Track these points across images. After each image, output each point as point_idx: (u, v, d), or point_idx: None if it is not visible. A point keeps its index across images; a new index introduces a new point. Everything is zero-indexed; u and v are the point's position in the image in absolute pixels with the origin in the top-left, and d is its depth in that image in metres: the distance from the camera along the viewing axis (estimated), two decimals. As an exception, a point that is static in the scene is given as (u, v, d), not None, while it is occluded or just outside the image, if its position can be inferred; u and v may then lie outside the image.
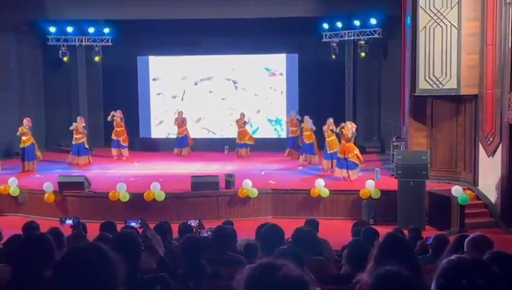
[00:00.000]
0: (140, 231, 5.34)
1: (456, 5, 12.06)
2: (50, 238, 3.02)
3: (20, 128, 14.57)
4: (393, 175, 12.30)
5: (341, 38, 16.82)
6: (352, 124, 13.44)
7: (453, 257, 2.02)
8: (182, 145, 17.17)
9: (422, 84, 12.48)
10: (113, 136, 16.63)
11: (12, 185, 12.45)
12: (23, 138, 14.53)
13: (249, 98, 18.32)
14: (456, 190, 11.28)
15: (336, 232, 9.54)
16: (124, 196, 11.83)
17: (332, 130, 13.73)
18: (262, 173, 14.15)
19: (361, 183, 12.17)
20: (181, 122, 17.14)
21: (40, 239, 2.95)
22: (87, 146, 15.77)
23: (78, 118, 15.93)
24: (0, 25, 16.57)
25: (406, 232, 7.62)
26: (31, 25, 17.57)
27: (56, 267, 2.11)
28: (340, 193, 12.16)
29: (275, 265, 1.89)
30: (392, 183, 11.88)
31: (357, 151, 13.16)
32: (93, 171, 14.57)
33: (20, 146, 14.60)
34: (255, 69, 18.30)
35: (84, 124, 15.84)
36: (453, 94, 12.42)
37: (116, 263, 2.10)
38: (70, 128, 15.69)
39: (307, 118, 15.26)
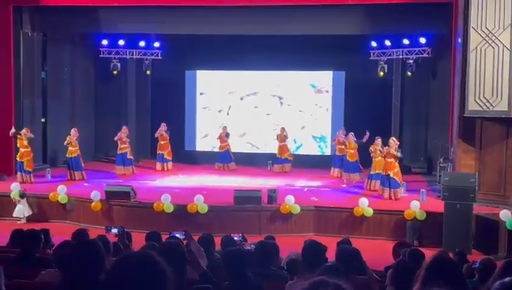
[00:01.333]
0: (184, 242, 5.42)
1: (509, 26, 11.83)
2: (101, 244, 3.11)
3: (67, 137, 14.96)
4: (439, 197, 12.07)
5: (389, 57, 16.69)
6: (395, 140, 13.34)
7: (507, 279, 2.00)
8: (223, 160, 17.29)
9: (472, 105, 12.25)
10: (158, 150, 16.91)
11: (61, 193, 12.78)
12: (70, 148, 14.90)
13: (293, 114, 18.34)
14: (505, 214, 10.98)
15: (379, 252, 9.41)
16: (168, 207, 12.00)
17: (380, 151, 13.63)
18: (305, 189, 14.12)
19: (406, 204, 11.99)
20: (224, 137, 17.27)
21: (92, 245, 3.04)
22: (130, 156, 16.07)
23: (123, 127, 16.28)
24: (56, 36, 17.19)
25: (451, 255, 7.47)
26: (85, 37, 18.15)
27: (109, 274, 2.17)
28: (384, 213, 12.01)
29: (327, 282, 1.92)
30: (438, 205, 11.66)
31: (398, 169, 13.04)
32: (139, 181, 14.82)
33: (67, 156, 14.97)
34: (301, 85, 18.33)
35: (127, 133, 16.15)
36: (503, 116, 12.13)
37: (167, 272, 2.15)
38: (115, 138, 16.03)
39: (351, 135, 15.18)
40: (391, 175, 12.85)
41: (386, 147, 13.12)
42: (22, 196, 12.58)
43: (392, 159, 12.93)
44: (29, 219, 12.52)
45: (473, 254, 10.19)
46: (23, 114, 15.90)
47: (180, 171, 16.73)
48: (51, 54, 17.29)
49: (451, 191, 10.94)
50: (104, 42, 17.68)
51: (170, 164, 16.94)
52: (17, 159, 14.25)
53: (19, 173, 14.23)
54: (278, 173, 16.60)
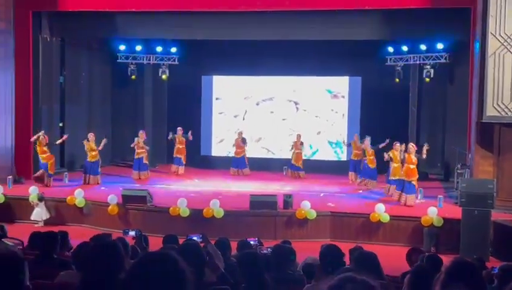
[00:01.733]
0: (201, 245, 5.43)
1: (528, 31, 11.74)
2: (120, 245, 3.13)
3: (88, 143, 15.05)
4: (456, 203, 11.97)
5: (406, 62, 16.63)
6: (413, 145, 13.28)
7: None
8: (238, 166, 17.30)
9: (490, 111, 12.15)
10: (176, 154, 16.98)
11: (79, 196, 12.87)
12: (92, 153, 15.02)
13: (309, 120, 18.32)
14: (524, 221, 10.86)
15: (395, 258, 9.33)
16: (184, 211, 12.03)
17: (400, 157, 13.60)
18: (321, 195, 14.09)
19: (423, 210, 11.91)
20: (240, 142, 17.30)
21: (111, 246, 3.06)
22: (145, 161, 16.16)
23: (140, 132, 16.37)
24: (74, 41, 17.37)
25: (469, 261, 7.39)
26: (102, 42, 18.32)
27: (129, 273, 2.18)
28: (401, 219, 11.92)
29: (355, 279, 1.94)
30: (456, 212, 11.56)
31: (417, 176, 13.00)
32: (155, 185, 14.88)
33: (88, 160, 15.08)
34: (317, 91, 18.32)
35: (145, 138, 16.24)
36: (522, 122, 12.02)
37: (186, 272, 2.16)
38: (132, 145, 16.11)
39: (367, 140, 15.11)
40: (413, 181, 12.80)
41: (406, 153, 13.07)
42: (40, 199, 12.70)
43: (414, 166, 12.88)
44: (46, 222, 12.62)
45: (491, 261, 10.07)
46: (42, 119, 16.06)
47: (196, 176, 16.78)
48: (69, 59, 17.47)
49: (469, 198, 10.84)
50: (122, 47, 17.82)
51: (182, 168, 17.00)
52: (42, 161, 14.32)
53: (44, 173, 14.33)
54: (293, 178, 16.59)
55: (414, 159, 12.91)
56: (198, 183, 15.87)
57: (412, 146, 13.17)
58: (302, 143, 16.87)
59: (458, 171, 14.24)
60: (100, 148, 15.00)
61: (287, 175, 16.99)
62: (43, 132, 14.59)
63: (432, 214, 11.61)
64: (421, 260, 5.98)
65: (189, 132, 16.83)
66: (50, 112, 16.69)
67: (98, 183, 14.94)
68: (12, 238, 6.28)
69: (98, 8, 14.80)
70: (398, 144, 13.70)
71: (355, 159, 16.01)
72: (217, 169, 17.89)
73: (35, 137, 14.44)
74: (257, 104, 18.74)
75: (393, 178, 13.61)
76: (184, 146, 16.98)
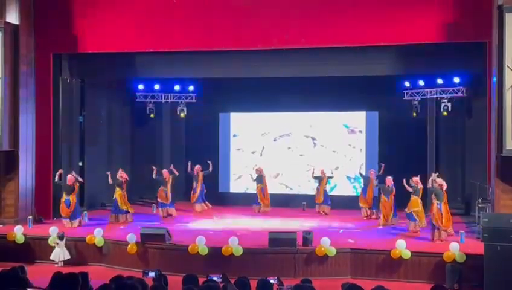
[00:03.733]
0: (221, 285, 5.41)
1: (545, 64, 11.71)
2: (140, 288, 3.12)
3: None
4: (479, 238, 11.79)
5: (423, 97, 16.63)
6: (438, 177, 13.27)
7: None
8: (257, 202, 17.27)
9: (510, 145, 12.05)
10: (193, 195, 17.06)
11: (98, 236, 12.90)
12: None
13: (327, 155, 18.32)
14: (549, 256, 10.62)
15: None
16: (203, 249, 11.98)
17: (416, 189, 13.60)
18: (341, 231, 13.97)
19: (445, 246, 11.73)
20: (258, 178, 17.30)
21: (132, 288, 3.06)
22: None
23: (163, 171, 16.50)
24: (93, 82, 17.70)
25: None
26: (121, 82, 18.63)
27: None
28: (422, 255, 11.74)
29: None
30: (478, 247, 11.36)
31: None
32: (174, 223, 14.87)
33: (114, 197, 15.19)
34: (334, 126, 18.35)
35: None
36: (542, 155, 11.90)
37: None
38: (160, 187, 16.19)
39: (389, 178, 15.08)
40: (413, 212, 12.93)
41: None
42: (61, 237, 12.74)
43: (435, 200, 12.82)
44: (66, 262, 12.64)
45: (517, 298, 9.86)
46: (62, 158, 16.25)
47: (214, 213, 16.77)
48: (89, 99, 17.77)
49: (491, 233, 10.66)
50: (140, 87, 18.10)
51: (203, 205, 17.06)
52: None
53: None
54: (315, 214, 16.50)
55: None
56: (217, 220, 15.85)
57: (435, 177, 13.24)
58: (330, 177, 16.88)
59: (479, 205, 14.07)
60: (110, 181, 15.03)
61: (306, 211, 16.91)
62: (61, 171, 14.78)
63: (454, 249, 11.43)
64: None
65: (209, 164, 16.83)
66: (70, 151, 16.89)
67: (124, 222, 15.01)
68: (36, 288, 6.31)
69: (116, 50, 15.10)
70: (415, 178, 13.69)
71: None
72: (235, 206, 17.88)
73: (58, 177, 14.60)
74: (274, 140, 18.81)
75: (410, 211, 13.70)
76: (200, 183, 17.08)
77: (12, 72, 14.50)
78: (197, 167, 16.89)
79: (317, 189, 16.88)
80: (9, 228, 13.59)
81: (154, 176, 16.19)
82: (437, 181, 13.13)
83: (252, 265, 11.74)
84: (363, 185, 16.39)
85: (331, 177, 16.97)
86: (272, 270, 11.54)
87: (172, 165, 16.86)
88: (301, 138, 18.60)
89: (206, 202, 17.11)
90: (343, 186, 18.18)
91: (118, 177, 15.26)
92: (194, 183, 16.99)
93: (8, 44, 14.33)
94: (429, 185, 13.33)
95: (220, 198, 18.58)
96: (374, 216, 15.71)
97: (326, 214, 16.55)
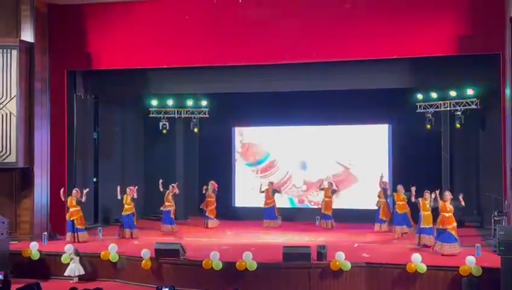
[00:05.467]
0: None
1: (559, 75, 11.63)
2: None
3: (124, 196, 15.27)
4: (495, 251, 11.66)
5: (436, 109, 16.56)
6: (449, 193, 13.10)
7: None
8: (269, 216, 17.24)
9: (525, 156, 11.95)
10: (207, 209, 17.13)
11: (112, 251, 12.92)
12: (126, 206, 15.18)
13: (339, 169, 18.26)
14: None
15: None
16: (217, 265, 11.95)
17: (429, 205, 13.45)
18: (356, 245, 13.88)
19: (461, 259, 11.61)
20: (270, 193, 17.31)
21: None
22: (172, 216, 16.23)
23: (171, 185, 16.51)
24: (107, 99, 17.85)
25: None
26: (135, 98, 18.78)
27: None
28: (438, 269, 11.62)
29: None
30: (495, 260, 11.23)
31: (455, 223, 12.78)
32: (188, 238, 14.87)
33: (122, 213, 15.24)
34: (347, 140, 18.30)
35: (173, 193, 16.31)
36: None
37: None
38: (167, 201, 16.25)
39: (400, 187, 15.02)
40: (448, 229, 12.58)
41: (441, 200, 12.91)
42: (76, 253, 12.78)
43: (450, 214, 12.67)
44: (80, 278, 12.67)
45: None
46: (76, 175, 16.35)
47: (228, 228, 16.75)
48: (103, 116, 17.91)
49: (507, 246, 10.55)
50: (153, 102, 18.21)
51: (214, 222, 17.07)
52: (67, 218, 14.57)
53: (69, 233, 14.53)
54: (325, 229, 16.46)
55: (449, 207, 12.71)
56: (231, 235, 15.82)
57: (447, 194, 13.00)
58: (334, 191, 16.81)
59: (495, 218, 13.92)
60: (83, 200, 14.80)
61: (319, 225, 16.85)
62: (76, 190, 14.84)
63: (470, 263, 11.30)
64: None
65: (173, 186, 16.63)
66: (84, 167, 17.01)
67: (134, 237, 15.03)
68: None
69: (130, 66, 15.24)
70: (427, 193, 13.57)
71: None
72: (250, 220, 17.85)
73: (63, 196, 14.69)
74: (288, 154, 18.79)
75: (424, 227, 13.49)
76: (213, 199, 17.13)
77: (28, 90, 14.67)
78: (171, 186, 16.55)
79: (323, 201, 16.81)
80: (25, 245, 13.65)
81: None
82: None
83: (266, 280, 11.70)
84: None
85: (335, 191, 16.87)
86: (286, 285, 11.51)
87: (177, 183, 16.83)
88: (314, 151, 18.55)
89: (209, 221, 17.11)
90: (352, 200, 18.03)
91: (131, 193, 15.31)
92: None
93: (23, 62, 14.51)
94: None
95: (234, 213, 18.60)
96: (384, 229, 15.64)
97: (329, 228, 16.47)
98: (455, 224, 12.71)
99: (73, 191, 14.74)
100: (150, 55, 15.07)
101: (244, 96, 17.05)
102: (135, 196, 15.32)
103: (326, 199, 16.77)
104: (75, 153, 16.30)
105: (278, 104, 17.59)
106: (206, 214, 17.07)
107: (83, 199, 14.71)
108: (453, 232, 12.63)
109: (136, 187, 15.61)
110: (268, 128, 19.02)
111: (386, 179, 16.49)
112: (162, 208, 16.28)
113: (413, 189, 13.96)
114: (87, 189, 15.08)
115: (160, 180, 16.43)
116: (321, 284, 11.75)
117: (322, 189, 17.03)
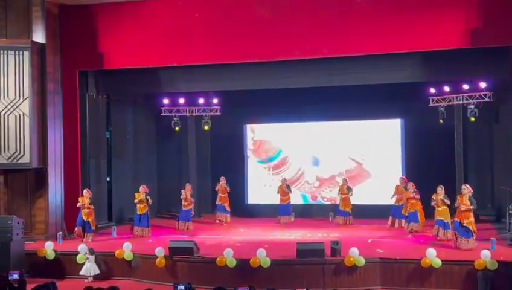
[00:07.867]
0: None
1: None
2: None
3: (136, 194, 15.32)
4: (510, 245, 11.59)
5: (449, 103, 16.44)
6: (468, 187, 12.97)
7: None
8: (285, 213, 17.26)
9: (540, 149, 11.84)
10: (218, 202, 17.31)
11: (127, 250, 12.98)
12: (140, 205, 15.23)
13: (351, 164, 18.21)
14: None
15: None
16: (231, 262, 11.98)
17: (443, 200, 13.39)
18: (369, 240, 13.84)
19: (476, 253, 11.54)
20: (284, 189, 17.33)
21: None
22: (192, 213, 16.41)
23: (187, 185, 16.59)
24: (119, 98, 17.92)
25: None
26: (146, 97, 18.84)
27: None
28: (453, 264, 11.55)
29: None
30: (510, 254, 11.17)
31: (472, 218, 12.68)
32: (201, 236, 14.92)
33: (137, 213, 15.28)
34: (359, 134, 18.24)
35: (190, 192, 16.44)
36: None
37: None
38: (181, 197, 16.36)
39: (410, 185, 14.97)
40: (464, 223, 12.49)
41: (459, 195, 12.84)
42: (91, 252, 12.86)
43: (465, 207, 12.58)
44: (95, 277, 12.75)
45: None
46: (89, 174, 16.45)
47: (241, 225, 16.78)
48: (115, 115, 17.99)
49: (523, 239, 10.49)
50: (165, 101, 18.27)
51: (228, 217, 17.27)
52: (83, 218, 14.61)
53: (78, 228, 14.59)
54: (340, 225, 16.44)
55: (466, 201, 12.60)
56: (244, 232, 15.85)
57: (464, 188, 12.89)
58: (348, 188, 16.77)
59: (510, 211, 13.81)
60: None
61: (333, 221, 16.83)
62: (87, 190, 14.91)
63: (485, 257, 11.23)
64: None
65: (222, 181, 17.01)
66: (97, 167, 17.09)
67: (147, 236, 15.10)
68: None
69: (141, 65, 15.27)
70: (440, 188, 13.51)
71: (397, 204, 15.79)
72: (263, 217, 17.88)
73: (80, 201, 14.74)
74: (300, 150, 18.78)
75: (440, 219, 13.51)
76: (226, 195, 17.23)
77: (40, 91, 14.76)
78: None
79: (340, 198, 16.81)
80: (40, 244, 13.76)
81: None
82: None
83: (280, 276, 11.70)
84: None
85: (350, 189, 16.82)
86: (301, 281, 11.49)
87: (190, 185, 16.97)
88: (327, 147, 18.51)
89: (227, 215, 17.30)
90: (366, 195, 17.97)
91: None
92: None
93: (35, 63, 14.61)
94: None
95: (246, 210, 18.64)
96: (397, 225, 15.62)
97: (340, 224, 16.48)
98: (471, 219, 12.59)
99: (85, 192, 14.76)
100: (160, 54, 15.08)
101: (255, 93, 17.03)
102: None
103: (343, 196, 16.74)
104: (88, 153, 16.38)
105: (289, 101, 17.58)
106: (226, 208, 17.25)
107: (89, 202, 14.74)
108: (470, 227, 12.53)
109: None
110: (279, 124, 19.03)
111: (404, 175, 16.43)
112: (184, 209, 16.34)
113: (411, 184, 14.00)
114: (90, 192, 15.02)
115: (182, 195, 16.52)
116: (335, 280, 11.72)
117: (340, 188, 16.95)
